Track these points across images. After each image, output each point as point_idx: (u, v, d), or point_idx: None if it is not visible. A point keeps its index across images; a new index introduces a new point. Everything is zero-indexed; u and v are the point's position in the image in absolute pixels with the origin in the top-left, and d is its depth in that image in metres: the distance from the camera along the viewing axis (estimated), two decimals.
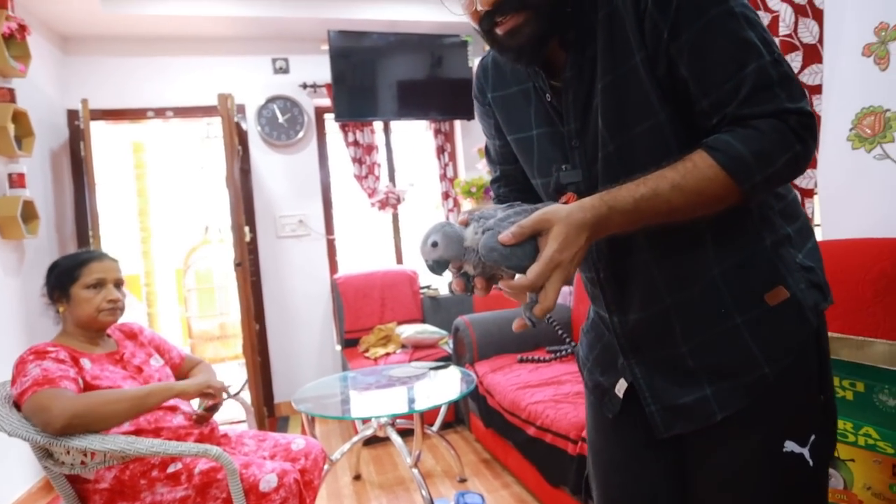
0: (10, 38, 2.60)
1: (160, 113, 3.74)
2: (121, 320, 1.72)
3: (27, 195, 2.72)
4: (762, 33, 0.71)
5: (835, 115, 1.68)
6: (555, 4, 0.76)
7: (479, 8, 0.76)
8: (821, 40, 1.83)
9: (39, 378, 1.43)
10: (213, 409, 1.69)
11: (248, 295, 3.32)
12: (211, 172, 5.65)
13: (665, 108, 0.75)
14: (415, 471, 2.19)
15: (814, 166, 1.77)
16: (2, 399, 1.51)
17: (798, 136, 0.69)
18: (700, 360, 0.81)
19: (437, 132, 4.27)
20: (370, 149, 4.03)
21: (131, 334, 1.79)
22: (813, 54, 1.87)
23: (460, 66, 3.98)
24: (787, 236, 0.80)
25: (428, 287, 3.94)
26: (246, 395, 3.21)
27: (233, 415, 3.38)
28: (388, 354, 3.34)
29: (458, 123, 4.30)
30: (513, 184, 1.02)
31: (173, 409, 1.63)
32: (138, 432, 1.51)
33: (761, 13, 1.92)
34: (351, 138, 3.98)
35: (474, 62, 3.93)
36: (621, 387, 0.90)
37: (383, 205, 4.05)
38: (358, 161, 4.00)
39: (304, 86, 3.90)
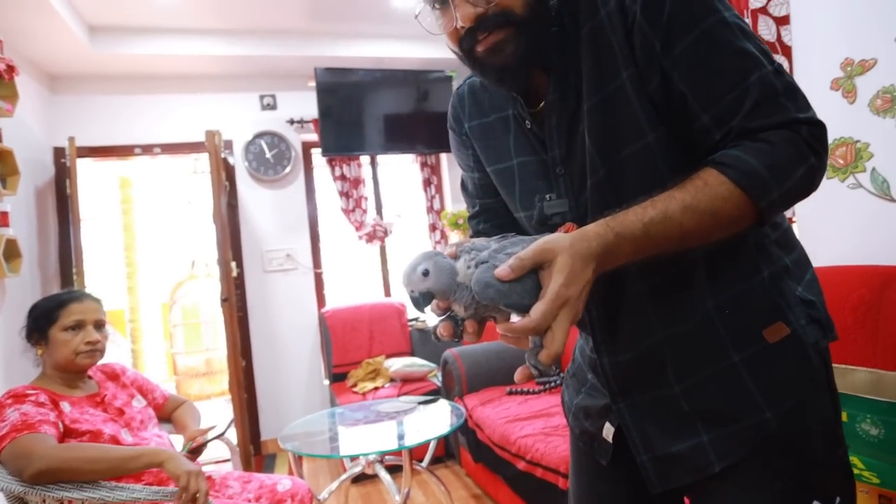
0: None
1: (148, 150, 3.75)
2: (104, 360, 1.70)
3: (10, 234, 2.69)
4: (759, 44, 0.67)
5: None
6: (539, 21, 0.71)
7: (460, 24, 0.71)
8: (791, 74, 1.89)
9: (18, 423, 1.39)
10: (196, 452, 1.66)
11: (235, 330, 3.29)
12: (198, 207, 5.65)
13: (655, 129, 0.70)
14: None
15: None
16: None
17: (811, 147, 0.64)
18: (695, 403, 0.74)
19: (424, 165, 4.31)
20: (357, 182, 4.05)
21: (113, 375, 1.76)
22: None
23: (445, 100, 4.04)
24: (785, 267, 0.75)
25: (416, 319, 3.92)
26: (232, 433, 3.15)
27: (217, 454, 3.30)
28: (376, 389, 3.30)
29: (444, 156, 4.35)
30: (494, 219, 0.95)
31: None
32: (119, 476, 1.47)
33: None
34: (338, 172, 4.01)
35: None
36: (608, 431, 0.83)
37: (371, 238, 4.05)
38: (345, 195, 4.02)
39: (292, 121, 3.94)
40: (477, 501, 2.65)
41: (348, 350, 3.67)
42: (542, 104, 0.78)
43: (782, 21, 1.95)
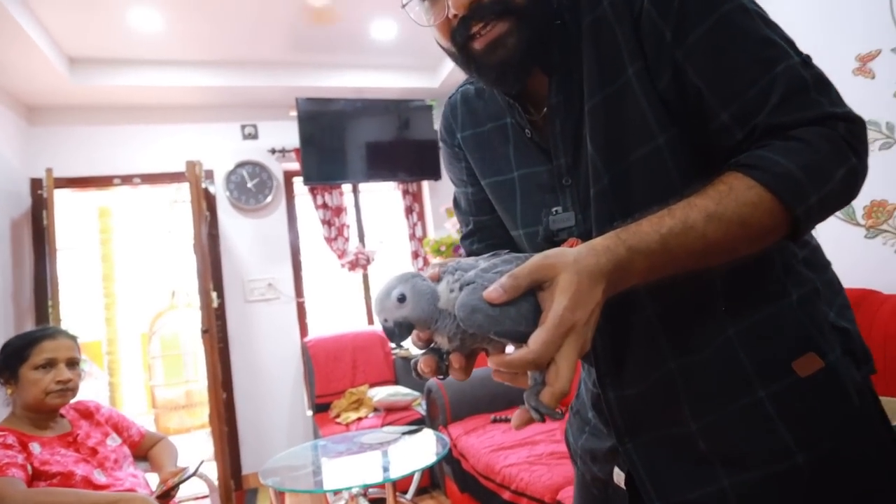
0: None
1: (127, 180, 3.73)
2: (78, 396, 1.66)
3: None
4: (782, 33, 0.59)
5: None
6: (541, 11, 0.64)
7: (453, 13, 0.63)
8: None
9: None
10: (167, 496, 1.62)
11: (216, 362, 3.23)
12: (179, 236, 5.60)
13: (666, 130, 0.62)
14: None
15: None
16: None
17: (851, 146, 0.55)
18: (714, 444, 0.64)
19: (406, 192, 4.34)
20: (339, 210, 4.06)
21: (87, 413, 1.72)
22: None
23: (426, 128, 4.10)
24: (815, 290, 0.65)
25: (400, 347, 3.90)
26: (213, 469, 3.07)
27: (195, 490, 3.21)
28: (360, 419, 3.25)
29: (425, 184, 4.38)
30: (489, 238, 0.85)
31: (131, 490, 1.55)
32: None
33: None
34: (320, 201, 4.01)
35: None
36: (619, 477, 0.73)
37: (353, 266, 4.04)
38: (327, 223, 4.02)
39: (273, 151, 3.95)
40: None
41: (331, 380, 3.63)
42: (544, 110, 0.70)
43: None
